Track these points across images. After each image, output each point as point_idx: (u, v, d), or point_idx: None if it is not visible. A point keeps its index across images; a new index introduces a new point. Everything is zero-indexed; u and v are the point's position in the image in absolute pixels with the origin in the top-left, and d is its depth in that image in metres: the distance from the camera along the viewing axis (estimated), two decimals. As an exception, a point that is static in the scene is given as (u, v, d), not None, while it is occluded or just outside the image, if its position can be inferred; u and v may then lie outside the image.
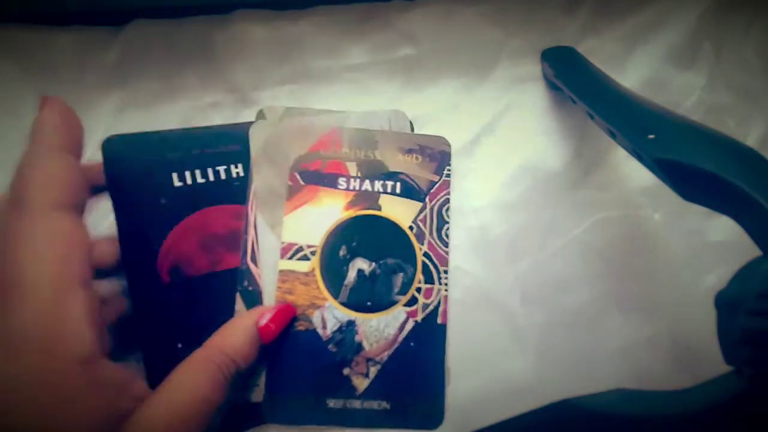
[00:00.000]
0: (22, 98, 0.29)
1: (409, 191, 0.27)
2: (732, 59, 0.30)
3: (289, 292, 0.25)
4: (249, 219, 0.25)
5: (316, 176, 0.27)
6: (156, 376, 0.21)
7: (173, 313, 0.24)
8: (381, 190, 0.27)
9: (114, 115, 0.29)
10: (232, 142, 0.26)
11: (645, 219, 0.28)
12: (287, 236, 0.26)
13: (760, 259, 0.17)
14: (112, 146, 0.24)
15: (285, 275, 0.25)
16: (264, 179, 0.26)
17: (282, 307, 0.23)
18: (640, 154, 0.21)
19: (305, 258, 0.26)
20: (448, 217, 0.27)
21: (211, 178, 0.25)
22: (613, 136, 0.24)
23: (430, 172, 0.27)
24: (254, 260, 0.25)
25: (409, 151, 0.27)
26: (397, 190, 0.27)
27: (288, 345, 0.25)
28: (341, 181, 0.27)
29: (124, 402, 0.18)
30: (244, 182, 0.25)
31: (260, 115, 0.28)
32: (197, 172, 0.25)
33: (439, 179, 0.27)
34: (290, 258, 0.26)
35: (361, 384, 0.25)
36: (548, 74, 0.29)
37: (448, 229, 0.27)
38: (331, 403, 0.24)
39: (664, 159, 0.20)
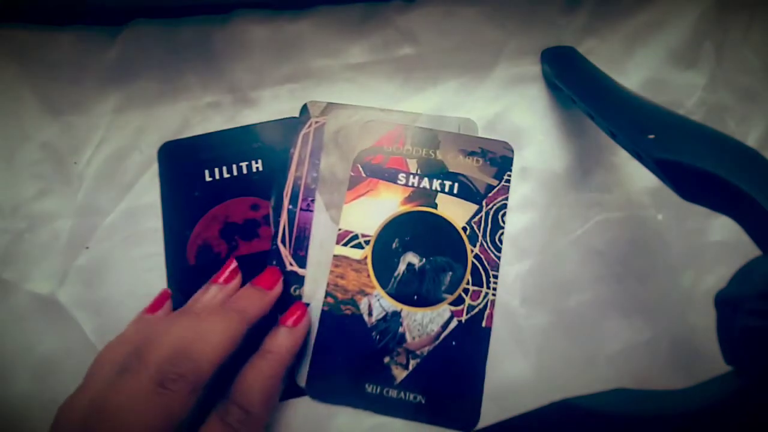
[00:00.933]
0: (22, 98, 0.29)
1: (467, 193, 0.28)
2: (732, 59, 0.30)
3: (341, 276, 0.27)
4: (284, 204, 0.28)
5: (377, 170, 0.28)
6: None
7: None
8: (439, 188, 0.28)
9: (114, 114, 0.29)
10: (254, 140, 0.29)
11: (647, 220, 0.28)
12: (344, 224, 0.27)
13: (760, 259, 0.17)
14: (163, 152, 0.29)
15: (338, 260, 0.27)
16: (330, 164, 0.28)
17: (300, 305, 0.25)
18: (640, 154, 0.21)
19: (359, 246, 0.27)
20: (503, 222, 0.27)
21: (235, 173, 0.28)
22: (613, 136, 0.24)
23: (489, 175, 0.28)
24: (284, 242, 0.27)
25: (471, 154, 0.28)
26: (455, 191, 0.28)
27: (333, 327, 0.26)
28: (401, 176, 0.28)
29: None
30: (263, 176, 0.28)
31: (304, 109, 0.29)
32: (224, 168, 0.28)
33: (498, 183, 0.28)
34: (345, 244, 0.27)
35: (400, 374, 0.25)
36: (548, 74, 0.29)
37: (502, 234, 0.27)
38: (369, 388, 0.25)
39: (664, 159, 0.20)
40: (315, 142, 0.29)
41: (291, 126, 0.29)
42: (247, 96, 0.29)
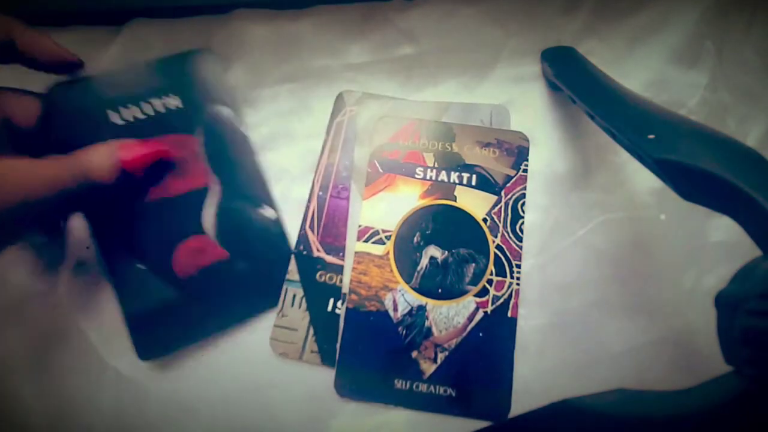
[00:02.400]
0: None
1: (485, 184, 0.28)
2: (732, 59, 0.30)
3: (363, 273, 0.27)
4: (314, 190, 0.28)
5: (394, 165, 0.28)
6: (121, 291, 0.25)
7: (130, 238, 0.26)
8: (457, 181, 0.28)
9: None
10: (155, 76, 0.27)
11: (649, 220, 0.28)
12: (364, 220, 0.27)
13: (760, 259, 0.17)
14: (53, 96, 0.25)
15: (360, 257, 0.27)
16: (362, 155, 0.28)
17: (151, 149, 0.25)
18: (640, 154, 0.21)
19: (380, 242, 0.27)
20: (523, 211, 0.28)
21: (151, 112, 0.26)
22: (613, 136, 0.24)
23: (506, 166, 0.28)
24: (312, 228, 0.27)
25: (487, 145, 0.28)
26: (473, 183, 0.28)
27: (359, 324, 0.26)
28: (418, 170, 0.28)
29: None
30: (184, 113, 0.27)
31: (339, 98, 0.29)
32: (135, 108, 0.26)
33: (516, 174, 0.28)
34: (366, 241, 0.27)
35: (429, 368, 0.25)
36: (548, 74, 0.29)
37: (522, 223, 0.27)
38: (399, 383, 0.25)
39: (664, 159, 0.20)
40: (349, 132, 0.29)
41: (200, 60, 0.28)
42: (247, 95, 0.29)
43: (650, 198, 0.28)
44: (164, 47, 0.29)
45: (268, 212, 0.27)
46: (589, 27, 0.30)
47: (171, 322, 0.26)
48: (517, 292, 0.27)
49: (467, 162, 0.28)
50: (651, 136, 0.21)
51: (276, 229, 0.27)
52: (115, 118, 0.26)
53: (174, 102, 0.27)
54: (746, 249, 0.18)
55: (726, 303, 0.17)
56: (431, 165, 0.28)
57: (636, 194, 0.29)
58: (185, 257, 0.26)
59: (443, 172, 0.28)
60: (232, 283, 0.26)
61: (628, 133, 0.22)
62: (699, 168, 0.19)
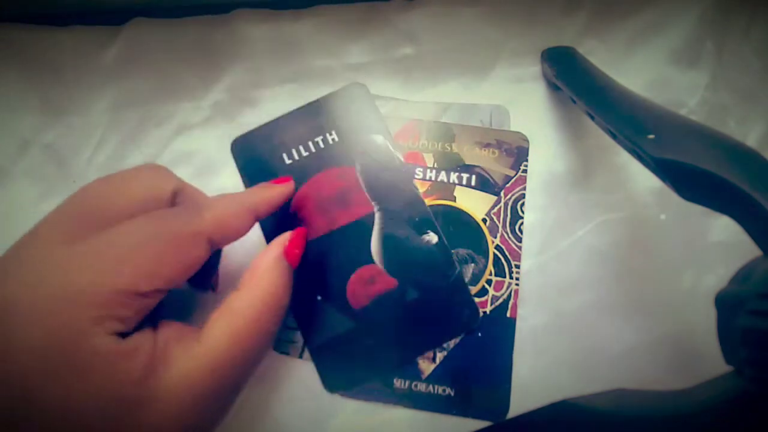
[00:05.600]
0: (22, 98, 0.29)
1: (484, 184, 0.28)
2: (732, 59, 0.30)
3: None
4: None
5: None
6: (304, 324, 0.26)
7: (308, 272, 0.26)
8: (456, 181, 0.28)
9: (113, 114, 0.29)
10: (317, 116, 0.29)
11: (650, 220, 0.28)
12: None
13: (760, 259, 0.17)
14: (236, 146, 0.29)
15: None
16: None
17: (298, 230, 0.24)
18: (640, 154, 0.21)
19: None
20: (522, 212, 0.28)
21: (313, 149, 0.28)
22: (613, 136, 0.24)
23: (506, 166, 0.28)
24: None
25: (487, 146, 0.28)
26: (473, 183, 0.28)
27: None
28: (418, 170, 0.28)
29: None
30: (341, 146, 0.28)
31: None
32: (301, 148, 0.28)
33: (515, 174, 0.28)
34: None
35: (428, 368, 0.25)
36: (548, 74, 0.29)
37: (521, 224, 0.27)
38: (398, 383, 0.25)
39: (664, 159, 0.20)
40: None
41: (352, 93, 0.29)
42: (247, 96, 0.29)
43: (650, 198, 0.28)
44: (164, 47, 0.29)
45: (431, 237, 0.26)
46: (589, 27, 0.30)
47: (353, 353, 0.25)
48: (516, 292, 0.27)
49: (467, 162, 0.28)
50: (651, 136, 0.21)
51: (440, 256, 0.26)
52: (286, 159, 0.28)
53: (331, 137, 0.28)
54: (746, 249, 0.18)
55: (726, 303, 0.17)
56: (431, 165, 0.28)
57: (636, 194, 0.29)
58: (357, 288, 0.26)
59: (443, 173, 0.28)
60: (402, 312, 0.26)
61: (628, 133, 0.22)
62: (699, 168, 0.19)
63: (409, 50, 0.30)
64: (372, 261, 0.26)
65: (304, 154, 0.28)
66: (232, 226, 0.21)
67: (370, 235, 0.26)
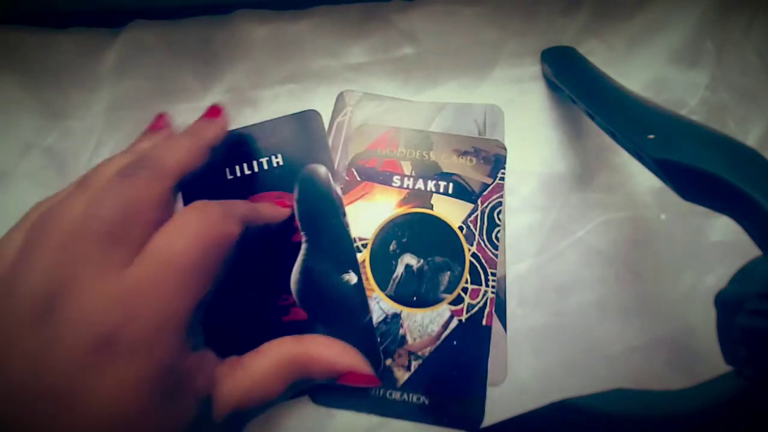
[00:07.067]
0: (20, 100, 0.28)
1: (461, 192, 0.28)
2: (732, 59, 0.30)
3: None
4: None
5: (372, 173, 0.28)
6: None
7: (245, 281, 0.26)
8: (434, 189, 0.28)
9: (112, 115, 0.29)
10: (267, 137, 0.28)
11: (650, 220, 0.28)
12: None
13: (760, 259, 0.17)
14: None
15: None
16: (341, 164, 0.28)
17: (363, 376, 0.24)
18: (640, 154, 0.21)
19: (357, 250, 0.27)
20: (499, 220, 0.27)
21: (256, 169, 0.28)
22: (613, 136, 0.24)
23: (483, 174, 0.28)
24: None
25: (464, 154, 0.28)
26: (450, 191, 0.28)
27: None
28: (396, 179, 0.28)
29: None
30: (284, 170, 0.28)
31: (340, 98, 0.29)
32: (245, 165, 0.28)
33: (493, 182, 0.28)
34: None
35: (402, 376, 0.25)
36: (548, 74, 0.29)
37: (498, 232, 0.27)
38: (373, 391, 0.25)
39: (664, 159, 0.20)
40: (348, 131, 0.29)
41: (306, 119, 0.29)
42: (247, 96, 0.29)
43: (650, 198, 0.28)
44: (164, 49, 0.29)
45: (350, 277, 0.26)
46: (589, 27, 0.30)
47: None
48: (492, 300, 0.26)
49: (444, 170, 0.28)
50: (651, 136, 0.21)
51: (356, 298, 0.26)
52: (227, 174, 0.28)
53: (276, 159, 0.28)
54: (746, 249, 0.18)
55: (726, 303, 0.17)
56: (409, 173, 0.28)
57: (636, 194, 0.29)
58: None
59: (420, 181, 0.28)
60: None
61: (628, 133, 0.22)
62: (699, 168, 0.19)
63: (409, 50, 0.30)
64: (289, 291, 0.26)
65: (247, 172, 0.28)
66: None
67: (292, 266, 0.26)
